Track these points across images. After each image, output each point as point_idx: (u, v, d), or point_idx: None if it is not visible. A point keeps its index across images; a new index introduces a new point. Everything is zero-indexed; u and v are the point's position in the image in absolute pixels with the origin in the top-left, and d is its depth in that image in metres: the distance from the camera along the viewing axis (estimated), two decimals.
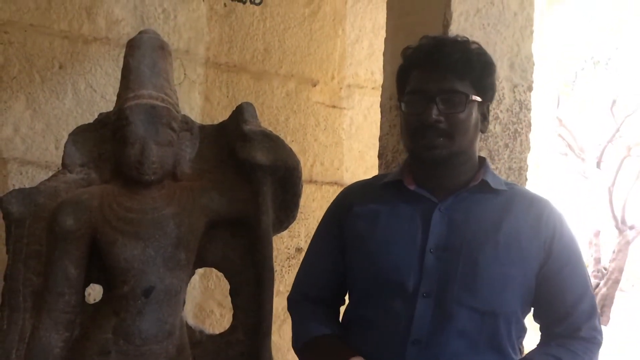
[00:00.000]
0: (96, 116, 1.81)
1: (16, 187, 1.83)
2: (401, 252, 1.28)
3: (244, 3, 2.66)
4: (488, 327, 1.24)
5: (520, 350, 1.33)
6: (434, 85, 1.25)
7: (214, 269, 1.90)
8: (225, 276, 1.84)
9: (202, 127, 1.84)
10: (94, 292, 1.92)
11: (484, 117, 1.31)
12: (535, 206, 1.30)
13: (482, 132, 1.32)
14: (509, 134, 1.94)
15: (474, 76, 1.26)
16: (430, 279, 1.24)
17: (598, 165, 8.91)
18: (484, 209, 1.27)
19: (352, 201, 1.40)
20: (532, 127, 2.00)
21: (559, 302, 1.28)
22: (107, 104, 2.23)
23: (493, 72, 1.31)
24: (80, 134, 1.76)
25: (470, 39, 1.32)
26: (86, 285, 1.72)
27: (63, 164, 1.75)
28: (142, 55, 1.72)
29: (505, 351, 1.26)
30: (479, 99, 1.27)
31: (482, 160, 1.35)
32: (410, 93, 1.29)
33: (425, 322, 1.23)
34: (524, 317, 1.31)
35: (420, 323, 1.23)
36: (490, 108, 1.34)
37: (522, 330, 1.32)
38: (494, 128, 1.95)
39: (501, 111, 1.92)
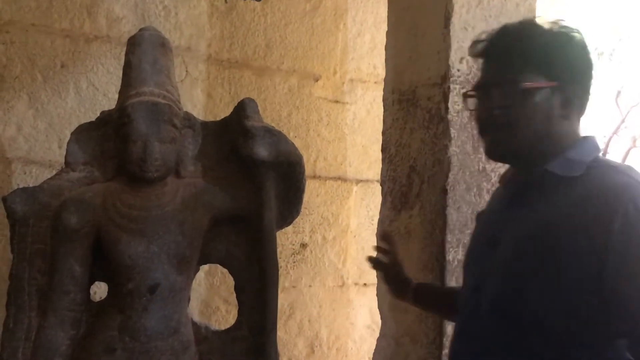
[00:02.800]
0: (98, 114, 1.81)
1: (20, 187, 1.83)
2: (472, 247, 1.31)
3: None
4: (514, 331, 1.13)
5: None
6: (489, 77, 1.19)
7: (219, 266, 1.91)
8: (230, 272, 1.84)
9: (204, 124, 1.84)
10: (100, 291, 1.92)
11: (568, 101, 1.16)
12: (601, 197, 1.08)
13: (567, 118, 1.17)
14: None
15: (541, 61, 1.15)
16: (480, 273, 1.21)
17: (604, 156, 8.85)
18: (540, 202, 1.15)
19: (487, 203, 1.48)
20: None
21: (620, 313, 1.07)
22: (110, 102, 2.23)
23: (570, 51, 1.17)
24: (83, 133, 1.76)
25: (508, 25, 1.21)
26: (91, 283, 1.72)
27: (66, 163, 1.75)
28: (143, 53, 1.72)
29: None
30: (551, 84, 1.14)
31: (576, 142, 1.18)
32: (473, 89, 1.23)
33: (467, 315, 1.23)
34: (601, 337, 1.09)
35: (463, 316, 1.25)
36: (578, 89, 1.17)
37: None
38: None
39: None
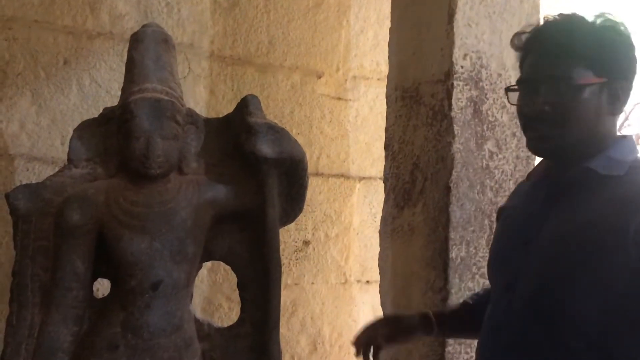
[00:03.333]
0: (101, 111, 1.81)
1: (23, 183, 1.83)
2: (501, 245, 1.28)
3: None
4: (550, 329, 1.11)
5: None
6: (538, 71, 1.15)
7: (222, 263, 1.91)
8: (233, 270, 1.84)
9: (207, 121, 1.84)
10: (102, 287, 1.92)
11: (615, 97, 1.14)
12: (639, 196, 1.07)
13: (613, 114, 1.15)
14: (516, 123, 1.92)
15: (590, 56, 1.12)
16: (513, 272, 1.19)
17: None
18: (581, 200, 1.13)
19: (507, 200, 1.46)
20: None
21: None
22: (112, 98, 2.22)
23: (619, 46, 1.14)
24: (86, 129, 1.76)
25: (556, 17, 1.17)
26: (94, 279, 1.72)
27: (69, 159, 1.75)
28: (145, 49, 1.72)
29: None
30: (600, 79, 1.12)
31: (616, 141, 1.17)
32: (517, 83, 1.20)
33: (498, 313, 1.22)
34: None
35: (494, 314, 1.23)
36: (624, 85, 1.15)
37: None
38: (501, 117, 1.94)
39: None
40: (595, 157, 1.14)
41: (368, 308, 2.91)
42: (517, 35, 1.21)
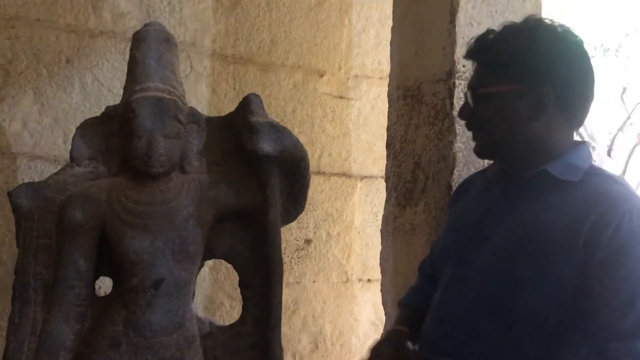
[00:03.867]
0: (103, 110, 1.81)
1: (25, 182, 1.84)
2: (454, 238, 1.31)
3: None
4: (499, 320, 1.16)
5: None
6: (469, 81, 1.28)
7: (223, 261, 1.91)
8: (235, 268, 1.84)
9: (209, 119, 1.84)
10: (104, 285, 1.93)
11: (538, 103, 1.16)
12: (601, 205, 1.11)
13: (534, 120, 1.18)
14: None
15: (503, 64, 1.18)
16: (466, 264, 1.23)
17: (609, 153, 8.82)
18: (537, 201, 1.17)
19: (458, 189, 1.50)
20: None
21: (594, 312, 1.08)
22: (115, 97, 2.23)
23: (536, 51, 1.16)
24: (88, 128, 1.77)
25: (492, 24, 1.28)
26: (96, 278, 1.73)
27: (71, 158, 1.75)
28: (147, 48, 1.72)
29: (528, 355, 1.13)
30: (510, 87, 1.17)
31: (574, 147, 1.21)
32: None
33: (449, 304, 1.25)
34: (574, 335, 1.11)
35: (443, 304, 1.26)
36: (554, 91, 1.16)
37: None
38: None
39: None
40: (553, 161, 1.19)
41: (369, 307, 2.92)
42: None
